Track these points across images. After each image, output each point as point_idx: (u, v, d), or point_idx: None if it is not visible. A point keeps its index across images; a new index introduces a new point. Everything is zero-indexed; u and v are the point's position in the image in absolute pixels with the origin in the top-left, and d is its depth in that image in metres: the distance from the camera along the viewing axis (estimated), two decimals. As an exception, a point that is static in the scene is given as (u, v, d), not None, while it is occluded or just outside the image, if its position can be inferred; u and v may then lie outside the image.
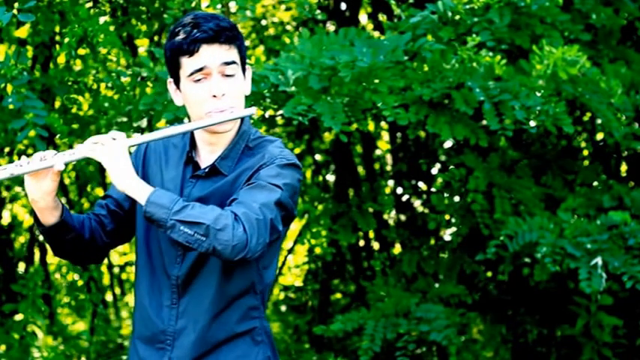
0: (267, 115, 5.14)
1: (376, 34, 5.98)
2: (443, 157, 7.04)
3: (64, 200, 6.92)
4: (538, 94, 5.03)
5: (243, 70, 2.63)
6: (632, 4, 5.85)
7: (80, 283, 7.31)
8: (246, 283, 2.59)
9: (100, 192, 7.47)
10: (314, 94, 4.79)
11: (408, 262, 6.51)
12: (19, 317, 6.42)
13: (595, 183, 6.18)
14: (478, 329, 7.46)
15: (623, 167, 7.00)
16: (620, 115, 5.37)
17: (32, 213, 2.63)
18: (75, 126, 5.61)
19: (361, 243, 7.70)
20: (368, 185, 7.24)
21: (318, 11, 5.40)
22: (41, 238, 7.58)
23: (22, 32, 5.53)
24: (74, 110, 5.71)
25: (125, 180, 2.47)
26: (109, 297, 8.72)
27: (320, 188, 7.59)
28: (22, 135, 4.41)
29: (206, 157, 2.65)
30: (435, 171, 7.02)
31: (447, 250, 6.65)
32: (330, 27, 7.23)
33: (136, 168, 2.61)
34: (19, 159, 2.54)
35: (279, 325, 8.21)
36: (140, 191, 2.46)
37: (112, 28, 5.16)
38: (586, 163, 6.68)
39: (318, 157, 7.89)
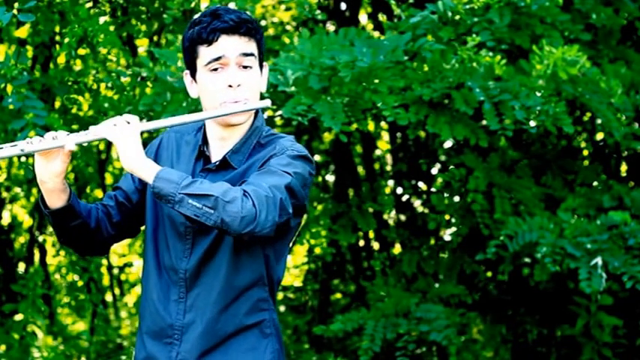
0: (265, 115, 5.14)
1: (376, 34, 5.98)
2: (443, 157, 7.04)
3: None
4: (538, 94, 5.03)
5: (261, 65, 2.63)
6: (632, 4, 5.84)
7: (80, 283, 7.31)
8: (254, 275, 2.57)
9: (99, 193, 7.45)
10: (314, 94, 4.79)
11: (408, 262, 6.51)
12: (19, 317, 6.43)
13: (595, 183, 6.17)
14: (478, 329, 7.46)
15: (623, 167, 7.00)
16: (620, 115, 5.37)
17: (39, 194, 2.60)
18: (75, 126, 5.60)
19: (361, 243, 7.70)
20: (368, 185, 7.24)
21: (318, 11, 5.40)
22: (41, 238, 7.58)
23: (22, 32, 5.52)
24: (74, 110, 5.71)
25: (135, 160, 2.46)
26: (108, 297, 8.72)
27: (320, 188, 7.58)
28: (22, 135, 4.40)
29: (217, 151, 2.64)
30: (435, 171, 7.02)
31: (447, 250, 6.65)
32: (330, 27, 7.22)
33: None
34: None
35: (278, 326, 8.19)
36: (149, 169, 2.45)
37: (111, 28, 5.16)
38: (586, 163, 6.67)
39: (317, 157, 7.89)
